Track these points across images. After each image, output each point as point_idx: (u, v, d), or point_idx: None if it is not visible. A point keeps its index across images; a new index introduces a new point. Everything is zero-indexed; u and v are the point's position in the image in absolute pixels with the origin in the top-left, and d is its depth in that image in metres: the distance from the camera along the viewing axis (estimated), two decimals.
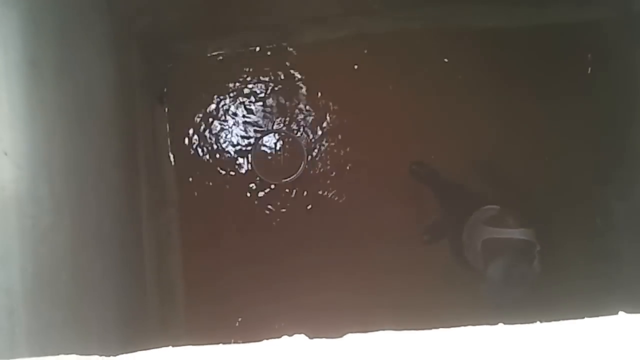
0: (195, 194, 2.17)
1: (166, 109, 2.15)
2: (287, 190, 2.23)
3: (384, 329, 0.53)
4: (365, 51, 2.25)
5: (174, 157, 2.15)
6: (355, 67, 2.24)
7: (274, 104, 2.25)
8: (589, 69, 2.16)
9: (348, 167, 2.26)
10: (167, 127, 2.15)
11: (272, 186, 2.20)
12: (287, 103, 2.25)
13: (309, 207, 2.23)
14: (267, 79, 2.23)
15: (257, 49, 2.18)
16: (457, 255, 1.90)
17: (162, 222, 2.01)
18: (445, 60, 2.25)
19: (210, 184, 2.18)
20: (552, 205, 2.07)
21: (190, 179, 2.16)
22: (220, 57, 2.20)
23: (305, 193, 2.24)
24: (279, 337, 0.50)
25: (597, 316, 0.57)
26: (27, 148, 1.01)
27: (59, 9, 1.21)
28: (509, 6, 2.13)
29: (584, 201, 2.13)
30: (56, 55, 1.17)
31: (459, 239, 1.88)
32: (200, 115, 2.19)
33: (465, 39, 2.20)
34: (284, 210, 2.22)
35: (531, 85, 2.15)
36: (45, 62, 1.11)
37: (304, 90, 2.25)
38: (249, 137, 2.23)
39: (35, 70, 1.05)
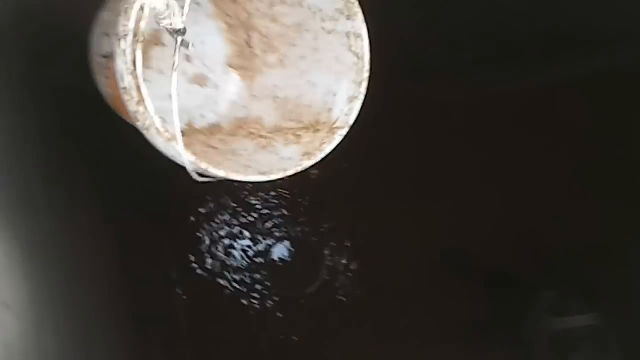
0: (209, 326, 2.04)
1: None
2: (310, 299, 2.11)
3: None
4: (367, 133, 2.16)
5: (182, 289, 2.06)
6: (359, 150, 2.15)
7: (277, 208, 2.17)
8: None
9: (372, 263, 2.14)
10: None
11: (294, 299, 2.10)
12: (291, 203, 2.11)
13: (335, 312, 2.10)
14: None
15: None
16: (520, 357, 1.75)
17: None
18: (472, 130, 2.07)
19: (224, 312, 2.06)
20: (619, 283, 1.90)
21: (201, 311, 2.05)
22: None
23: (330, 299, 2.10)
24: None
25: None
26: (28, 298, 0.94)
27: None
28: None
29: None
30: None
31: (516, 338, 1.72)
32: (199, 242, 2.11)
33: (494, 105, 2.02)
34: (309, 322, 2.10)
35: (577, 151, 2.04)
36: (39, 203, 1.08)
37: (305, 186, 2.14)
38: (257, 253, 2.16)
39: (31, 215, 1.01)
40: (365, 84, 0.82)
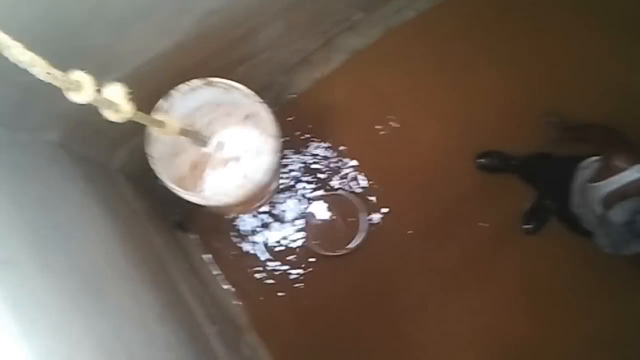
0: (265, 306, 2.00)
1: (196, 235, 2.02)
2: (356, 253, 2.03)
3: None
4: (369, 62, 2.11)
5: (228, 280, 2.01)
6: (370, 84, 2.11)
7: (303, 166, 2.09)
8: None
9: (415, 187, 2.11)
10: (204, 252, 2.01)
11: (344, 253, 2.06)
12: (315, 157, 2.10)
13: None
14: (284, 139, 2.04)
15: None
16: (576, 230, 1.67)
17: (245, 354, 1.84)
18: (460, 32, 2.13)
19: (278, 288, 2.01)
20: None
21: (254, 296, 2.00)
22: None
23: (379, 240, 2.09)
24: None
25: None
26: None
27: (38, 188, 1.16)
28: None
29: None
30: (37, 246, 1.07)
31: (569, 212, 1.63)
32: (235, 223, 2.06)
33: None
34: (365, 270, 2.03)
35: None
36: (25, 256, 1.01)
37: (327, 135, 2.10)
38: (298, 216, 2.08)
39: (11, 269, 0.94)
40: None
